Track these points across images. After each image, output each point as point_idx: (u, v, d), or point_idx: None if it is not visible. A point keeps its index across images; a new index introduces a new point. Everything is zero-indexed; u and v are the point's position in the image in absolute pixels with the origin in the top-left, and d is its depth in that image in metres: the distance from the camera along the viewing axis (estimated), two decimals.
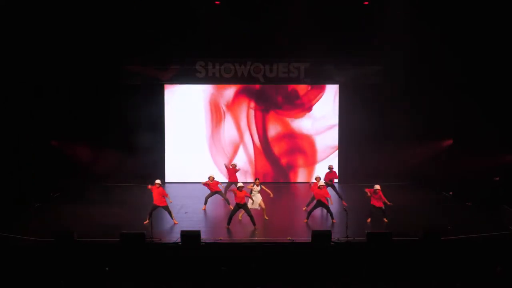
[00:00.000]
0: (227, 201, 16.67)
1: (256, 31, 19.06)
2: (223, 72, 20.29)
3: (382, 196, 14.87)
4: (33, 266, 12.53)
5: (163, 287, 11.77)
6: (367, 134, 19.89)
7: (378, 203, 14.94)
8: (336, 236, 13.52)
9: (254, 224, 14.63)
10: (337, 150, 20.70)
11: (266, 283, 11.81)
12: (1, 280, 12.02)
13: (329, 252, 13.01)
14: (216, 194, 16.62)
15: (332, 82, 20.45)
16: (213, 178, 16.43)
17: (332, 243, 13.20)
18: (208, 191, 16.62)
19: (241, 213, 15.22)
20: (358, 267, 12.22)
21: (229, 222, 14.70)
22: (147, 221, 14.59)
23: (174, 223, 14.90)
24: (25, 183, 17.48)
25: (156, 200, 14.78)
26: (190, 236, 13.16)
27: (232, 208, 15.12)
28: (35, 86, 18.58)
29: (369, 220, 15.13)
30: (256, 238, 13.72)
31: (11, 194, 16.61)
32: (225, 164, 18.31)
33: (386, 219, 15.05)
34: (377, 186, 14.99)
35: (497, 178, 17.31)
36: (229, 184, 17.44)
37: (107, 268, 11.76)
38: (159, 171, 20.46)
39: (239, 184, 14.86)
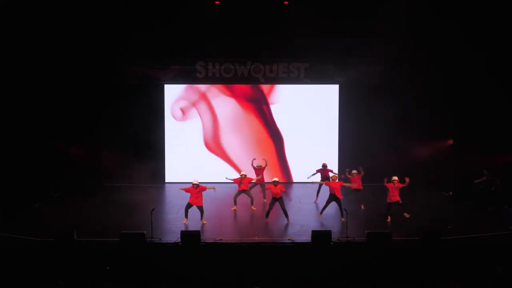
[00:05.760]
0: (252, 201, 16.71)
1: (256, 31, 19.05)
2: (223, 72, 20.28)
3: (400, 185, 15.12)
4: (33, 266, 12.54)
5: (163, 287, 11.78)
6: (367, 134, 19.88)
7: (394, 198, 15.07)
8: (336, 236, 13.52)
9: (287, 217, 15.12)
10: (337, 150, 20.69)
11: (266, 283, 11.82)
12: (1, 280, 12.04)
13: (329, 252, 13.01)
14: (243, 193, 16.60)
15: (332, 82, 20.46)
16: (245, 175, 16.48)
17: (332, 243, 13.20)
18: (232, 191, 16.82)
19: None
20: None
21: (267, 216, 15.33)
22: (185, 220, 15.07)
23: (203, 223, 15.05)
24: (25, 183, 17.47)
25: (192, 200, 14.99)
26: (190, 236, 13.17)
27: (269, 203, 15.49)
28: (35, 86, 18.59)
29: (389, 219, 15.20)
30: (256, 238, 13.72)
31: (11, 194, 16.60)
32: (252, 166, 18.16)
33: (407, 214, 15.15)
34: (394, 178, 15.22)
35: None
36: (254, 184, 17.40)
37: (107, 267, 11.78)
38: (159, 171, 20.47)
39: (275, 179, 15.19)
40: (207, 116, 20.72)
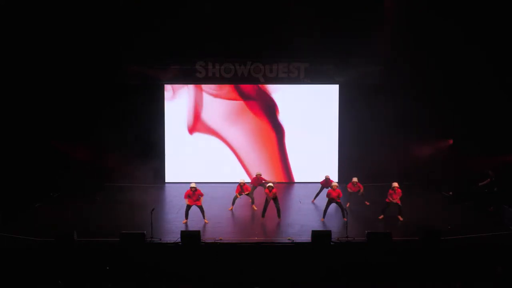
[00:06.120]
0: (252, 200, 16.73)
1: (256, 31, 19.05)
2: (223, 72, 20.27)
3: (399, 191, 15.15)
4: (33, 266, 12.55)
5: (163, 287, 11.79)
6: (367, 134, 19.88)
7: (395, 197, 15.16)
8: (336, 236, 13.52)
9: (279, 216, 15.38)
10: (337, 150, 20.69)
11: (266, 283, 11.82)
12: (1, 280, 12.04)
13: (329, 252, 13.01)
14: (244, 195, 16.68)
15: (332, 82, 20.46)
16: (244, 183, 16.47)
17: (332, 243, 13.20)
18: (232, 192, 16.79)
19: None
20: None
21: (263, 215, 15.48)
22: (185, 220, 15.14)
23: (205, 222, 15.16)
24: (25, 183, 17.47)
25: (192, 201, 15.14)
26: (190, 236, 13.17)
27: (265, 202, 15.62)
28: (35, 86, 18.60)
29: (381, 216, 15.26)
30: (256, 238, 13.72)
31: (11, 194, 16.61)
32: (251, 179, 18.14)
33: (401, 217, 15.15)
34: (395, 184, 15.22)
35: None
36: (253, 188, 17.32)
37: (107, 267, 11.79)
38: (159, 171, 20.46)
39: (269, 184, 15.45)
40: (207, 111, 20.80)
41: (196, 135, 20.71)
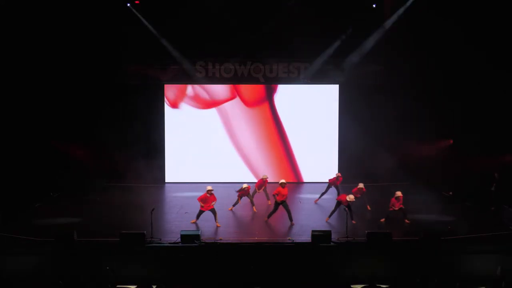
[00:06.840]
0: (252, 203, 16.62)
1: (256, 31, 19.05)
2: (223, 72, 20.30)
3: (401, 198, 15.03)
4: (33, 266, 12.54)
5: (163, 287, 11.78)
6: (367, 134, 19.88)
7: (397, 206, 15.04)
8: (336, 236, 13.52)
9: (291, 219, 14.86)
10: (337, 150, 20.69)
11: (266, 283, 11.81)
12: (1, 280, 12.03)
13: (329, 252, 13.02)
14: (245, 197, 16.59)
15: (332, 82, 20.46)
16: (244, 187, 16.24)
17: (332, 243, 13.20)
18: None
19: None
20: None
21: (269, 217, 15.24)
22: (194, 220, 14.97)
23: (217, 226, 14.78)
24: (25, 183, 17.47)
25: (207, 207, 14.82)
26: (190, 236, 13.17)
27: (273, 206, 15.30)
28: (35, 86, 18.60)
29: (383, 220, 15.12)
30: (256, 238, 13.72)
31: (11, 194, 16.60)
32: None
33: (408, 220, 15.05)
34: (399, 193, 15.01)
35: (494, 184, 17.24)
36: (254, 191, 17.20)
37: (107, 267, 11.78)
38: (159, 171, 20.47)
39: (282, 181, 15.04)
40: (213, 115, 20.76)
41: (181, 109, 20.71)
